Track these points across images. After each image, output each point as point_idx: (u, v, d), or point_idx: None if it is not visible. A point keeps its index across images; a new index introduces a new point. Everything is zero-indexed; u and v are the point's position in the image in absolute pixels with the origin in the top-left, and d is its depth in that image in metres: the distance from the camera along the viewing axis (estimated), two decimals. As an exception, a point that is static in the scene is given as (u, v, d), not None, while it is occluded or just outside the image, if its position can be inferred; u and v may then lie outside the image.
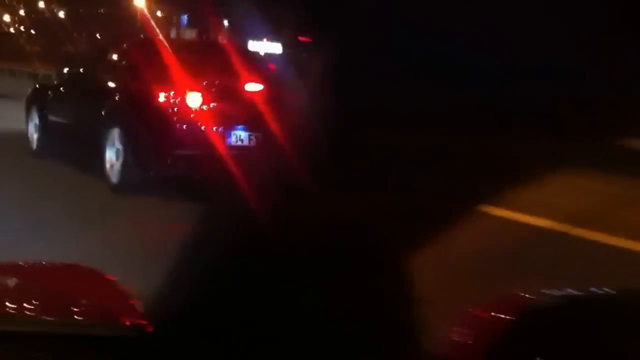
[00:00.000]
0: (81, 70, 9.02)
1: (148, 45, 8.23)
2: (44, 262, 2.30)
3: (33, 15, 66.01)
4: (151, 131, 7.14)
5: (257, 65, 8.14)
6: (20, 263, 2.20)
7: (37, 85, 9.91)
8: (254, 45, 49.05)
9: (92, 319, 1.69)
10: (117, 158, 7.33)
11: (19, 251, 4.78)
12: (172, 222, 6.21)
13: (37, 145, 9.34)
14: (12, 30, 63.00)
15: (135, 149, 7.17)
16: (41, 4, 57.10)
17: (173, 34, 43.30)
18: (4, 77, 25.93)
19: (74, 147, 8.57)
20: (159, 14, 44.50)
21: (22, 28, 62.20)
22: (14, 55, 33.23)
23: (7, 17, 65.97)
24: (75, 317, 1.70)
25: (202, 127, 7.03)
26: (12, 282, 1.94)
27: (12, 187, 7.39)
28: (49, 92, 9.30)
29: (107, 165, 7.46)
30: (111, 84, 7.91)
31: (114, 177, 7.35)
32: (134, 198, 7.00)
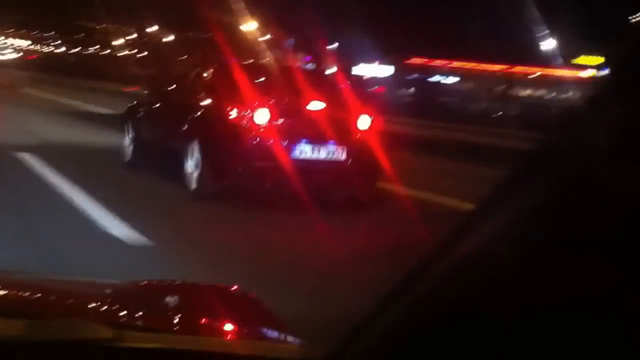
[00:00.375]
0: (168, 89, 10.00)
1: (224, 68, 9.10)
2: (187, 282, 2.37)
3: (145, 39, 68.96)
4: (224, 144, 7.97)
5: (326, 85, 8.89)
6: (167, 282, 2.30)
7: (131, 103, 10.94)
8: (364, 68, 49.09)
9: (241, 338, 1.68)
10: (196, 168, 8.20)
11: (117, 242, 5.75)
12: (242, 225, 7.06)
13: (130, 157, 10.35)
14: (124, 53, 66.02)
15: (211, 160, 8.02)
16: (153, 28, 59.58)
17: (280, 57, 44.45)
18: (111, 97, 27.59)
19: (160, 157, 9.49)
20: (267, 37, 45.62)
21: (133, 51, 65.12)
22: (124, 77, 35.02)
23: (120, 41, 69.18)
24: (225, 336, 1.70)
25: (270, 141, 7.81)
26: (160, 300, 1.97)
27: (107, 193, 8.36)
28: (141, 109, 10.32)
29: (187, 174, 8.34)
30: (192, 102, 8.81)
31: (193, 185, 8.21)
32: (210, 203, 7.84)
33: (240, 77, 8.27)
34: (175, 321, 1.79)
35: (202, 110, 8.51)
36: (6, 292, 1.89)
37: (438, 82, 53.82)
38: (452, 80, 57.76)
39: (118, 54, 64.86)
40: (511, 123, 23.61)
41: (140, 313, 1.83)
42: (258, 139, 7.84)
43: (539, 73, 47.88)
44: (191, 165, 8.29)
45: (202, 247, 6.08)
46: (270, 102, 7.99)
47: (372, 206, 8.07)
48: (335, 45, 47.92)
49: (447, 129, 16.81)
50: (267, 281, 4.76)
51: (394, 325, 1.01)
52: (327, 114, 8.13)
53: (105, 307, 1.84)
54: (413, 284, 1.01)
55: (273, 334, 1.78)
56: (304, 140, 7.93)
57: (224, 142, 7.98)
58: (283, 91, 8.26)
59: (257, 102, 7.92)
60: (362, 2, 37.65)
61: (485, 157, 12.26)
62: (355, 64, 48.96)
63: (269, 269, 5.40)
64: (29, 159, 10.25)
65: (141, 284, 2.23)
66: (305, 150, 7.94)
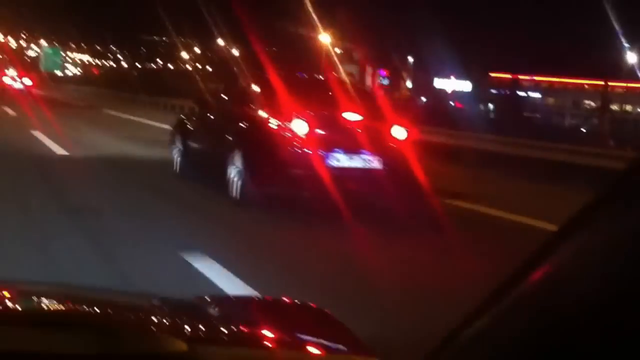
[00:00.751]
0: (214, 102, 10.48)
1: (266, 81, 9.52)
2: (278, 299, 2.36)
3: (209, 54, 70.08)
4: (264, 153, 8.37)
5: (363, 97, 9.22)
6: (255, 297, 2.40)
7: (180, 117, 11.45)
8: (439, 83, 47.79)
9: (319, 354, 1.67)
10: (238, 176, 8.61)
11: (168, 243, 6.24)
12: (282, 232, 7.43)
13: (179, 168, 10.85)
14: (188, 67, 67.30)
15: (252, 169, 8.42)
16: (219, 42, 60.47)
17: (354, 71, 44.33)
18: (172, 112, 28.19)
19: (206, 168, 9.94)
20: (338, 50, 45.73)
21: (197, 66, 66.29)
22: (188, 92, 35.69)
23: (184, 56, 70.49)
24: (302, 351, 1.69)
25: (306, 151, 8.18)
26: (233, 314, 1.99)
27: (156, 201, 8.87)
28: (189, 123, 10.82)
29: (230, 183, 8.75)
30: (235, 113, 9.24)
31: (236, 193, 8.63)
32: (251, 210, 8.24)
33: (280, 89, 8.66)
34: (249, 336, 1.77)
35: (244, 121, 8.93)
36: (75, 304, 1.88)
37: (522, 97, 51.50)
38: (536, 95, 55.58)
39: (182, 69, 66.25)
40: (603, 140, 22.67)
41: (213, 327, 1.83)
42: (296, 148, 8.21)
43: (626, 86, 46.37)
44: (234, 174, 8.70)
45: (244, 251, 6.44)
46: (309, 114, 8.36)
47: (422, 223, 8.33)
48: (411, 59, 47.71)
49: (532, 146, 15.69)
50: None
51: (476, 341, 1.00)
52: (361, 124, 8.46)
53: (178, 320, 1.82)
54: (497, 302, 0.99)
55: (350, 350, 1.77)
56: (340, 150, 8.27)
57: (264, 152, 8.37)
58: (321, 103, 8.63)
59: (295, 114, 8.30)
60: (442, 15, 36.95)
61: (572, 176, 12.20)
62: (435, 77, 48.44)
63: (310, 275, 5.72)
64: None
65: (210, 299, 2.23)
66: (339, 159, 8.27)
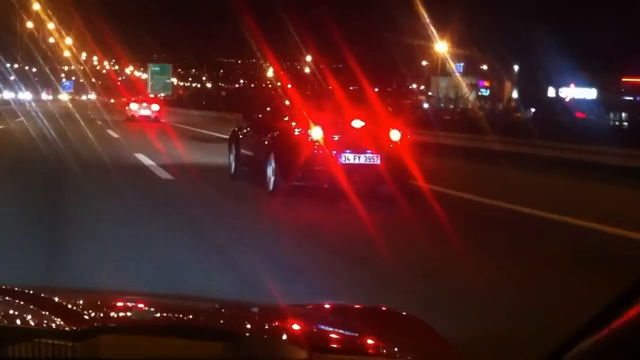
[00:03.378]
0: (258, 115, 13.31)
1: (291, 97, 12.35)
2: (347, 304, 2.43)
3: (295, 71, 73.33)
4: (291, 154, 11.07)
5: (364, 105, 11.88)
6: (352, 305, 2.38)
7: (235, 128, 14.32)
8: (563, 91, 44.23)
9: None
10: (273, 174, 11.35)
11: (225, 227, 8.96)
12: (304, 212, 10.10)
13: (233, 171, 13.70)
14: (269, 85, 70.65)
15: (281, 167, 11.15)
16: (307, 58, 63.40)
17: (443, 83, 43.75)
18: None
19: (251, 169, 12.74)
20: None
21: (278, 84, 69.53)
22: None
23: (268, 74, 73.97)
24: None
25: (323, 151, 10.86)
26: (351, 324, 2.03)
27: (217, 196, 11.69)
28: (240, 132, 13.66)
29: (267, 178, 11.50)
30: (271, 124, 12.03)
31: (270, 186, 11.37)
32: (282, 199, 10.96)
33: (303, 103, 11.47)
34: (360, 344, 1.82)
35: (276, 129, 11.70)
36: (202, 314, 1.99)
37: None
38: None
39: (264, 87, 69.75)
40: None
41: (325, 335, 1.89)
42: (315, 150, 10.89)
43: None
44: (270, 171, 11.44)
45: (279, 226, 9.04)
46: (324, 122, 11.05)
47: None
48: (516, 67, 45.58)
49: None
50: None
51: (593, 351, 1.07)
52: (365, 129, 11.09)
53: (295, 328, 1.88)
54: (615, 314, 1.08)
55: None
56: (348, 150, 10.92)
57: (290, 153, 11.08)
58: (333, 112, 11.31)
59: (314, 122, 11.00)
60: (553, 16, 33.84)
61: None
62: (548, 85, 43.93)
63: (324, 241, 8.25)
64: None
65: (311, 306, 2.33)
66: (348, 157, 10.92)
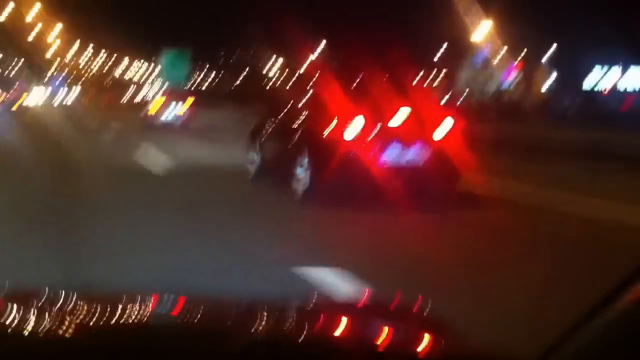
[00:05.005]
0: (283, 110, 11.95)
1: (325, 86, 10.98)
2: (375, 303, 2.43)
3: (295, 66, 72.06)
4: (325, 153, 9.75)
5: (409, 95, 10.56)
6: (346, 300, 2.40)
7: (254, 126, 12.98)
8: (597, 73, 41.82)
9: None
10: (304, 176, 10.02)
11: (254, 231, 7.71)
12: (340, 220, 8.79)
13: (254, 174, 12.35)
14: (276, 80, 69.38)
15: (315, 168, 9.82)
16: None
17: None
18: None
19: (277, 171, 11.40)
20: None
21: (284, 78, 68.20)
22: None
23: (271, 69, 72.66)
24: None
25: (360, 151, 9.53)
26: (355, 321, 2.00)
27: (236, 204, 10.36)
28: (261, 130, 12.30)
29: (297, 184, 10.16)
30: (300, 120, 10.68)
31: (301, 190, 10.04)
32: (316, 206, 9.62)
33: (337, 93, 10.09)
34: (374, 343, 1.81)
35: (307, 126, 10.35)
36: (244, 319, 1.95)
37: None
38: None
39: (270, 82, 68.26)
40: None
41: (370, 339, 1.85)
42: (353, 148, 9.56)
43: None
44: (301, 173, 10.11)
45: (310, 239, 7.82)
46: (362, 115, 9.71)
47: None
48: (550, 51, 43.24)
49: None
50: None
51: (590, 342, 1.08)
52: (412, 122, 9.76)
53: (278, 324, 1.91)
54: (605, 309, 1.08)
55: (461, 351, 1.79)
56: (392, 147, 9.59)
57: (325, 152, 9.75)
58: (373, 104, 9.98)
59: (350, 116, 9.67)
60: None
61: None
62: (585, 69, 42.11)
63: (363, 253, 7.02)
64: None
65: (321, 301, 2.36)
66: (392, 156, 9.59)
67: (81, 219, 8.55)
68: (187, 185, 12.04)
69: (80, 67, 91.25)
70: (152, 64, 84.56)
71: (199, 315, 1.96)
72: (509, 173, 12.95)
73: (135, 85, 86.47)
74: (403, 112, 9.79)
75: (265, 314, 1.95)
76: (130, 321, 1.87)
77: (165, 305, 2.12)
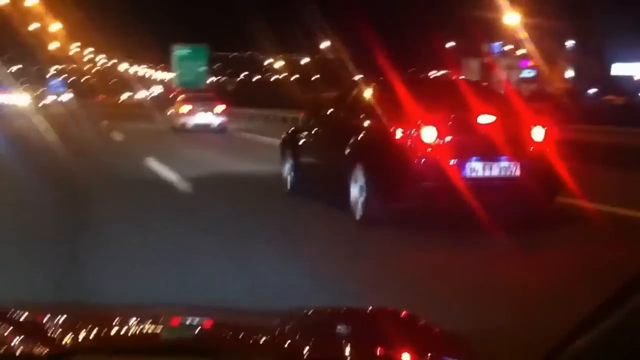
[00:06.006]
0: (327, 112, 10.17)
1: (384, 85, 9.15)
2: (354, 308, 2.36)
3: (294, 62, 70.57)
4: (390, 166, 7.99)
5: (490, 96, 8.80)
6: (335, 308, 2.33)
7: (290, 130, 11.19)
8: (620, 69, 40.17)
9: None
10: (361, 193, 8.26)
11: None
12: (417, 252, 7.05)
13: (291, 185, 10.58)
14: (276, 77, 67.72)
15: (377, 184, 8.05)
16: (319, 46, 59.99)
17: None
18: (272, 124, 27.74)
19: (322, 185, 9.65)
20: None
21: (285, 75, 66.68)
22: (285, 102, 35.16)
23: (272, 65, 70.97)
24: None
25: (438, 161, 7.77)
26: (332, 328, 2.02)
27: (271, 222, 8.60)
28: (299, 135, 10.53)
29: (352, 201, 8.41)
30: (353, 123, 8.90)
31: (359, 211, 8.27)
32: (379, 230, 7.86)
33: (402, 93, 8.30)
34: (350, 350, 1.80)
35: (364, 131, 8.57)
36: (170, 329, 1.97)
37: None
38: None
39: (271, 79, 66.59)
40: None
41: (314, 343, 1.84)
42: (426, 158, 7.81)
43: None
44: (355, 191, 8.36)
45: (378, 278, 6.06)
46: (437, 119, 7.96)
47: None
48: (571, 43, 41.71)
49: None
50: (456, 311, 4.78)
51: (586, 351, 1.08)
52: (497, 127, 8.01)
53: (277, 338, 1.90)
54: (609, 312, 1.08)
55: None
56: (475, 158, 7.84)
57: (389, 164, 8.00)
58: (449, 106, 8.21)
59: (422, 120, 7.91)
60: None
61: None
62: (612, 61, 40.49)
63: (454, 297, 5.34)
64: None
65: (309, 312, 2.26)
66: (476, 168, 7.84)
67: (113, 235, 7.51)
68: (217, 197, 10.31)
69: (83, 67, 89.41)
70: (159, 63, 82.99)
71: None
72: (617, 186, 11.18)
73: (141, 84, 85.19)
74: (487, 116, 8.03)
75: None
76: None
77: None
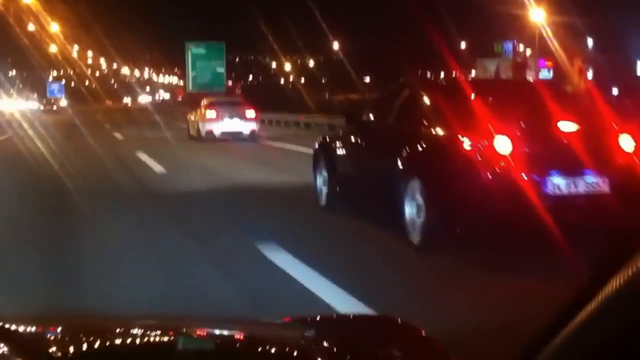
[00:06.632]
0: (371, 117, 9.03)
1: (445, 87, 8.02)
2: (351, 315, 2.33)
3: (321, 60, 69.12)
4: (456, 182, 6.85)
5: (569, 100, 7.69)
6: (331, 315, 2.28)
7: (323, 137, 10.05)
8: None
9: None
10: (418, 213, 7.13)
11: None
12: (493, 285, 5.91)
13: (326, 200, 9.44)
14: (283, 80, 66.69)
15: (439, 203, 6.91)
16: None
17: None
18: (286, 129, 26.20)
19: (366, 201, 8.54)
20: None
21: (292, 78, 65.63)
22: (295, 105, 34.02)
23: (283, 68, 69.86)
24: None
25: (514, 176, 6.63)
26: (323, 334, 1.98)
27: (306, 244, 7.47)
28: (337, 144, 9.38)
29: (407, 222, 7.28)
30: (407, 132, 7.76)
31: (416, 235, 7.13)
32: (444, 259, 6.73)
33: (469, 97, 7.16)
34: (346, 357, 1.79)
35: (422, 141, 7.42)
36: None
37: None
38: None
39: (279, 82, 65.52)
40: None
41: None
42: (500, 173, 6.67)
43: None
44: (412, 210, 7.22)
45: (453, 318, 4.96)
46: (511, 126, 6.82)
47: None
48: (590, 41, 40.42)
49: None
50: None
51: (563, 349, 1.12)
52: (580, 136, 6.88)
53: (275, 347, 1.88)
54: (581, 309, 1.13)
55: None
56: (556, 172, 6.70)
57: (455, 180, 6.86)
58: (524, 111, 7.09)
59: (494, 127, 6.77)
60: None
61: None
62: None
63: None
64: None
65: (308, 319, 2.20)
66: (558, 185, 6.69)
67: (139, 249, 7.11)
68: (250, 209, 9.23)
69: (84, 71, 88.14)
70: (163, 66, 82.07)
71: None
72: None
73: (145, 88, 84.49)
74: (568, 122, 6.90)
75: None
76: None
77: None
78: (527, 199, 6.51)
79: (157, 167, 15.17)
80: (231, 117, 23.94)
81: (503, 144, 6.69)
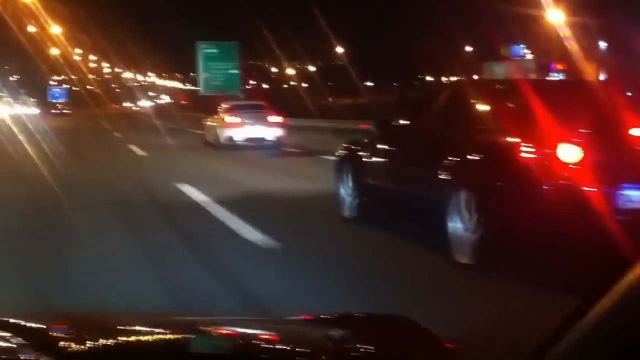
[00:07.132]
0: (402, 122, 8.19)
1: (497, 87, 7.18)
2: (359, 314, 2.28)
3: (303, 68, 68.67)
4: (514, 195, 6.00)
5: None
6: (354, 314, 2.22)
7: (347, 144, 9.21)
8: None
9: None
10: (466, 229, 6.27)
11: None
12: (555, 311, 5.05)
13: (351, 211, 8.61)
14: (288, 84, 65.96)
15: (494, 218, 6.05)
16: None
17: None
18: (304, 134, 24.65)
19: (398, 213, 7.73)
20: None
21: (297, 82, 64.78)
22: (297, 109, 33.01)
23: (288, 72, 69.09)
24: None
25: (581, 188, 5.78)
26: (336, 333, 1.91)
27: (329, 258, 6.73)
28: (363, 150, 8.55)
29: (453, 239, 6.43)
30: (451, 138, 6.91)
31: (465, 254, 6.27)
32: (499, 280, 5.88)
33: (527, 99, 6.31)
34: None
35: (471, 148, 6.56)
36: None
37: None
38: None
39: (283, 86, 64.72)
40: None
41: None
42: (566, 185, 5.82)
43: None
44: (458, 226, 6.36)
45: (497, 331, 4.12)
46: (578, 133, 5.97)
47: None
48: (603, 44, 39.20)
49: None
50: None
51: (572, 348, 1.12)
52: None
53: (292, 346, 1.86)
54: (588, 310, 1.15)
55: None
56: (629, 184, 5.86)
57: (514, 193, 6.01)
58: (591, 116, 6.23)
59: (558, 134, 5.92)
60: None
61: None
62: None
63: None
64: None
65: (322, 317, 2.16)
66: (632, 198, 5.84)
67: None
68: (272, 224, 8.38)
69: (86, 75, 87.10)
70: (165, 71, 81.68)
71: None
72: None
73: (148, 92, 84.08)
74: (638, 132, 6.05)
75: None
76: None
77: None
78: (596, 214, 5.66)
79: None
80: (254, 122, 22.16)
81: (569, 152, 5.83)
